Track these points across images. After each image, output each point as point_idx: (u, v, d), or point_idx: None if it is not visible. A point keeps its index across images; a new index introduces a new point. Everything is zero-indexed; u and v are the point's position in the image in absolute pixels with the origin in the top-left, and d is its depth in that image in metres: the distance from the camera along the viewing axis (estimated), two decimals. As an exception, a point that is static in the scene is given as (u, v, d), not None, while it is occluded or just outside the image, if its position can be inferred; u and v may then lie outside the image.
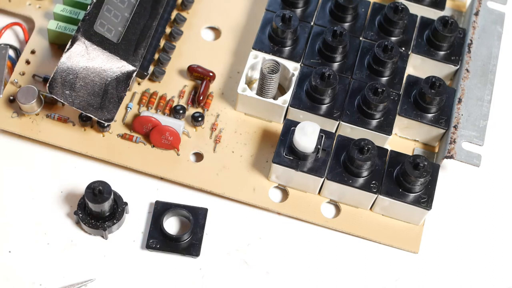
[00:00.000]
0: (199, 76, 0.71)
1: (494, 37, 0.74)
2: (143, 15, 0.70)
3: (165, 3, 0.72)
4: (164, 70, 0.71)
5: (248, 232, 0.67)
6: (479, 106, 0.70)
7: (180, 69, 0.72)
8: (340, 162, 0.66)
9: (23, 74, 0.71)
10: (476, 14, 0.75)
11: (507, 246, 0.68)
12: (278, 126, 0.71)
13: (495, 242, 0.68)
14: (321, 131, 0.67)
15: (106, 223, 0.64)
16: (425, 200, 0.65)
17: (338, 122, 0.68)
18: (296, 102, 0.69)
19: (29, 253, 0.64)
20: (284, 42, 0.71)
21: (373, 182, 0.65)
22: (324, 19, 0.73)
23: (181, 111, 0.69)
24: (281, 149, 0.66)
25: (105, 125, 0.68)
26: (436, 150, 0.71)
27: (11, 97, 0.69)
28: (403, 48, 0.72)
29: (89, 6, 0.68)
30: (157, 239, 0.65)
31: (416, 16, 0.74)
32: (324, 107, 0.68)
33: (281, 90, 0.72)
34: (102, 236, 0.65)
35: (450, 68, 0.72)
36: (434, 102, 0.68)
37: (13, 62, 0.72)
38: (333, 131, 0.69)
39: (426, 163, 0.64)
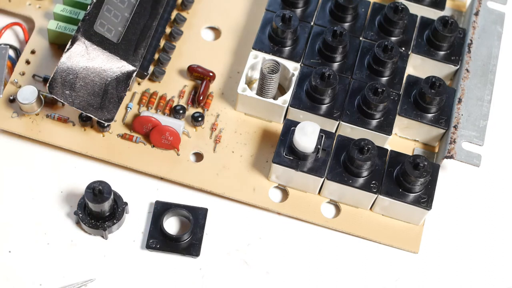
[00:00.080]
0: (199, 76, 0.71)
1: (494, 37, 0.74)
2: (143, 15, 0.70)
3: (165, 3, 0.72)
4: (164, 70, 0.71)
5: (248, 232, 0.67)
6: (479, 106, 0.70)
7: (180, 69, 0.72)
8: (340, 162, 0.66)
9: (23, 74, 0.71)
10: (476, 14, 0.75)
11: (507, 246, 0.68)
12: (278, 126, 0.71)
13: (495, 242, 0.68)
14: (321, 131, 0.67)
15: (106, 223, 0.64)
16: (425, 200, 0.65)
17: (338, 122, 0.68)
18: (296, 102, 0.69)
19: (29, 253, 0.64)
20: (284, 42, 0.71)
21: (373, 182, 0.66)
22: (324, 19, 0.73)
23: (181, 111, 0.69)
24: (281, 149, 0.66)
25: (105, 125, 0.68)
26: (436, 150, 0.71)
27: (11, 97, 0.69)
28: (403, 48, 0.72)
29: (89, 6, 0.68)
30: (157, 239, 0.65)
31: (416, 16, 0.74)
32: (324, 107, 0.68)
33: (281, 90, 0.72)
34: (102, 236, 0.65)
35: (450, 68, 0.72)
36: (434, 102, 0.68)
37: (13, 62, 0.72)
38: (333, 131, 0.69)
39: (426, 163, 0.64)
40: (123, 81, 0.67)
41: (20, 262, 0.64)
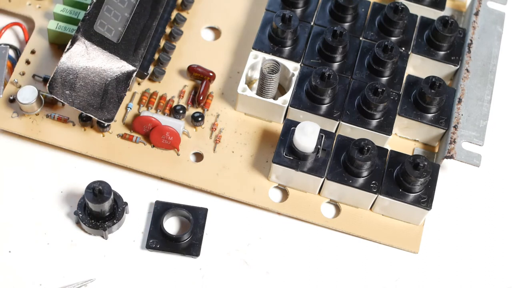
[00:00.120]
0: (199, 76, 0.71)
1: (494, 37, 0.74)
2: (143, 15, 0.70)
3: (165, 3, 0.72)
4: (164, 70, 0.71)
5: (248, 232, 0.67)
6: (479, 106, 0.70)
7: (180, 69, 0.72)
8: (340, 162, 0.66)
9: (23, 74, 0.71)
10: (476, 14, 0.75)
11: (507, 246, 0.68)
12: (278, 126, 0.71)
13: (495, 242, 0.68)
14: (321, 131, 0.67)
15: (106, 223, 0.64)
16: (425, 200, 0.65)
17: (338, 122, 0.68)
18: (296, 102, 0.69)
19: (29, 253, 0.64)
20: (284, 42, 0.71)
21: (373, 182, 0.66)
22: (324, 19, 0.73)
23: (181, 111, 0.69)
24: (281, 149, 0.66)
25: (105, 125, 0.68)
26: (436, 150, 0.71)
27: (11, 97, 0.69)
28: (403, 48, 0.72)
29: (89, 6, 0.68)
30: (157, 239, 0.65)
31: (416, 16, 0.74)
32: (324, 107, 0.68)
33: (281, 90, 0.72)
34: (102, 236, 0.65)
35: (450, 68, 0.72)
36: (434, 102, 0.68)
37: (13, 62, 0.72)
38: (333, 131, 0.69)
39: (426, 163, 0.64)
40: (123, 81, 0.67)
41: (20, 262, 0.64)
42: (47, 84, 0.65)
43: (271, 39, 0.71)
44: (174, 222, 0.67)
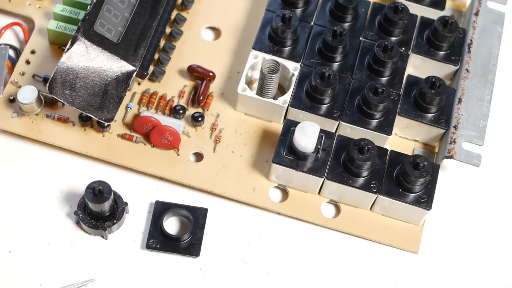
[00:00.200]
0: (199, 76, 0.71)
1: (494, 37, 0.74)
2: (143, 15, 0.70)
3: (165, 3, 0.72)
4: (164, 70, 0.71)
5: (248, 232, 0.67)
6: (479, 106, 0.70)
7: (180, 69, 0.72)
8: (340, 162, 0.66)
9: (23, 74, 0.71)
10: (476, 14, 0.75)
11: (507, 246, 0.68)
12: (278, 126, 0.71)
13: (495, 242, 0.68)
14: (321, 131, 0.67)
15: (106, 223, 0.64)
16: (425, 200, 0.65)
17: (338, 122, 0.68)
18: (296, 102, 0.69)
19: (29, 253, 0.64)
20: (284, 42, 0.71)
21: (373, 182, 0.65)
22: (324, 19, 0.73)
23: (181, 111, 0.69)
24: (281, 149, 0.66)
25: (105, 125, 0.68)
26: (436, 150, 0.71)
27: (11, 97, 0.69)
28: (403, 48, 0.72)
29: (89, 6, 0.68)
30: (157, 239, 0.65)
31: (416, 16, 0.74)
32: (324, 107, 0.68)
33: (281, 90, 0.72)
34: (102, 236, 0.65)
35: (450, 68, 0.72)
36: (434, 102, 0.68)
37: (13, 62, 0.72)
38: (333, 131, 0.69)
39: (426, 163, 0.64)
40: (123, 81, 0.67)
41: (20, 262, 0.64)
42: (47, 84, 0.65)
43: (271, 39, 0.71)
44: (174, 222, 0.67)
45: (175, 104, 0.70)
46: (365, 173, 0.65)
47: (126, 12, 0.69)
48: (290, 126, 0.67)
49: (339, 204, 0.68)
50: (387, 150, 0.67)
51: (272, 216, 0.68)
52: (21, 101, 0.67)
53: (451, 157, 0.67)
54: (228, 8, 0.77)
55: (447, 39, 0.71)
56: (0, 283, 0.63)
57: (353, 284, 0.65)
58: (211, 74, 0.71)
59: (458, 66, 0.72)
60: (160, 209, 0.66)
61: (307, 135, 0.64)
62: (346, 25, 0.73)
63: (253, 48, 0.71)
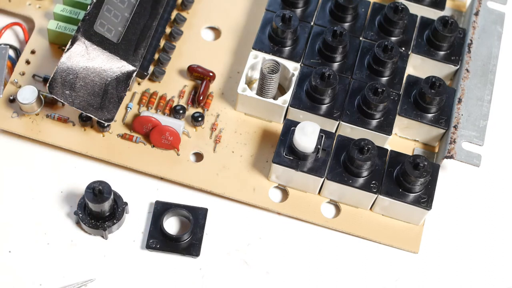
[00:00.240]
0: (199, 76, 0.71)
1: (494, 37, 0.74)
2: (143, 15, 0.70)
3: (165, 3, 0.72)
4: (164, 70, 0.71)
5: (248, 232, 0.67)
6: (479, 106, 0.70)
7: (180, 69, 0.72)
8: (340, 162, 0.66)
9: (23, 74, 0.71)
10: (476, 14, 0.75)
11: (507, 246, 0.68)
12: (278, 126, 0.71)
13: (495, 242, 0.68)
14: (321, 131, 0.67)
15: (106, 223, 0.64)
16: (425, 200, 0.65)
17: (338, 122, 0.68)
18: (296, 102, 0.69)
19: (29, 253, 0.64)
20: (284, 42, 0.71)
21: (373, 182, 0.65)
22: (324, 19, 0.73)
23: (181, 111, 0.69)
24: (281, 149, 0.66)
25: (105, 125, 0.68)
26: (436, 150, 0.71)
27: (11, 97, 0.69)
28: (403, 48, 0.72)
29: (89, 6, 0.68)
30: (157, 239, 0.65)
31: (416, 16, 0.74)
32: (324, 107, 0.68)
33: (281, 90, 0.72)
34: (102, 236, 0.65)
35: (450, 68, 0.72)
36: (434, 102, 0.68)
37: (13, 62, 0.72)
38: (333, 131, 0.69)
39: (426, 163, 0.64)
40: (123, 81, 0.67)
41: (20, 262, 0.64)
42: (47, 84, 0.65)
43: (271, 39, 0.71)
44: (174, 222, 0.67)
45: (175, 104, 0.70)
46: (365, 173, 0.65)
47: (126, 12, 0.69)
48: (290, 126, 0.67)
49: (339, 204, 0.68)
50: (387, 150, 0.67)
51: (272, 216, 0.68)
52: (21, 101, 0.67)
53: (451, 157, 0.67)
54: (228, 8, 0.77)
55: (447, 39, 0.71)
56: (0, 283, 0.63)
57: (353, 284, 0.65)
58: (211, 74, 0.71)
59: (458, 66, 0.72)
60: (160, 209, 0.66)
61: (307, 135, 0.64)
62: (346, 25, 0.73)
63: (253, 48, 0.71)
